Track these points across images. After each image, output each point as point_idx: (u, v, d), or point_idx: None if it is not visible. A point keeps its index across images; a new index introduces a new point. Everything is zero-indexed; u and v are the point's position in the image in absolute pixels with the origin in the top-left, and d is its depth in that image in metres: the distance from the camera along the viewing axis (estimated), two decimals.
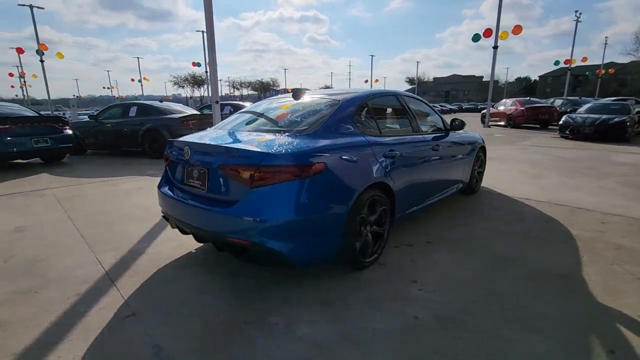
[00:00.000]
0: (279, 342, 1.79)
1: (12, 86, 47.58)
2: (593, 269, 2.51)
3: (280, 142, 2.18)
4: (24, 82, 38.45)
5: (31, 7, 22.01)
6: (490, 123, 17.22)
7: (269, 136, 2.31)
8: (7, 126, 6.70)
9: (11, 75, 37.03)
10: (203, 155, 2.30)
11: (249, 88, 66.37)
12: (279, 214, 2.00)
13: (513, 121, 15.37)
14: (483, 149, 4.63)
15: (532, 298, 2.16)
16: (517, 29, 16.08)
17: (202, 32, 28.76)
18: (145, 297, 2.25)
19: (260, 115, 2.85)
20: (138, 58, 46.95)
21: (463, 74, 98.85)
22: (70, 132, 7.75)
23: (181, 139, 2.53)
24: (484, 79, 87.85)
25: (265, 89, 63.93)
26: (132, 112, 8.57)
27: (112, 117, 8.77)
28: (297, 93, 2.93)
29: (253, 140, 2.25)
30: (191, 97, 51.21)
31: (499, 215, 3.71)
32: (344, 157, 2.26)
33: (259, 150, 2.06)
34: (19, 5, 22.11)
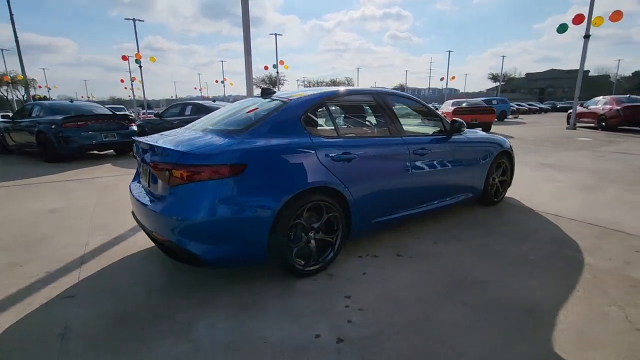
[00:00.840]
0: (168, 341, 1.80)
1: (125, 88, 56.08)
2: (580, 309, 2.01)
3: (207, 141, 2.18)
4: (132, 85, 44.90)
5: (134, 20, 25.57)
6: (578, 124, 14.90)
7: (204, 135, 2.33)
8: (83, 122, 7.90)
9: (122, 80, 43.32)
10: (144, 153, 2.42)
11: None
12: (191, 214, 2.01)
13: (606, 122, 13.06)
14: (507, 154, 4.02)
15: (468, 334, 1.82)
16: (616, 15, 13.51)
17: (275, 34, 30.21)
18: (94, 281, 2.45)
19: (222, 115, 2.87)
20: (222, 62, 51.25)
21: (564, 69, 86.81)
22: (135, 128, 8.81)
23: (139, 137, 2.69)
24: (590, 74, 76.00)
25: None
26: (188, 110, 9.39)
27: (173, 115, 9.72)
28: (264, 92, 2.90)
29: (183, 140, 2.30)
30: None
31: (505, 232, 3.20)
32: (273, 159, 2.17)
33: (176, 149, 2.09)
34: (125, 19, 25.86)
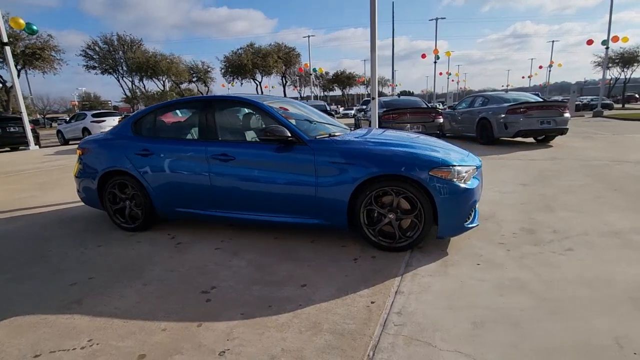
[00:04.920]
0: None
1: (451, 80, 60.53)
2: None
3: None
4: (448, 78, 48.07)
5: (436, 19, 27.73)
6: None
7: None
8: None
9: (441, 74, 47.26)
10: None
11: None
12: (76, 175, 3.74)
13: None
14: (414, 183, 2.53)
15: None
16: None
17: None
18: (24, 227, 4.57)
19: None
20: (553, 42, 43.06)
21: None
22: (441, 120, 8.61)
23: None
24: None
25: None
26: (478, 102, 9.39)
27: (463, 107, 9.98)
28: None
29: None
30: (614, 80, 39.57)
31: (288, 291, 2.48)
32: (96, 147, 3.56)
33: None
34: (429, 20, 28.52)
